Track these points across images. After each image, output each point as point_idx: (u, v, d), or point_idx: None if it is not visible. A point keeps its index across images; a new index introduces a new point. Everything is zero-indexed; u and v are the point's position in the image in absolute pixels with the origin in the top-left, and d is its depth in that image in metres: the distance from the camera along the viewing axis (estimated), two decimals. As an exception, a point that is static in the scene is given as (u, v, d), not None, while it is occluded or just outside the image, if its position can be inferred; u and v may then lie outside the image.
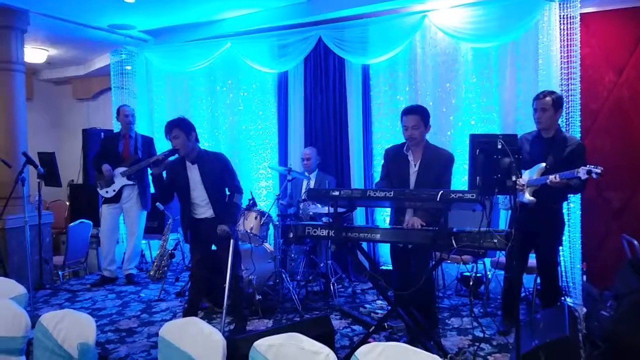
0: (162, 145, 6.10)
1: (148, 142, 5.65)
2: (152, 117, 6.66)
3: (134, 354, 3.61)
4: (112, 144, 5.51)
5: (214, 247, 4.05)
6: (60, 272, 5.75)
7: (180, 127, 3.73)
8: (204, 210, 3.91)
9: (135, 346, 3.77)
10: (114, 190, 5.38)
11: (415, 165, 3.60)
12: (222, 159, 3.95)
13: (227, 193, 3.98)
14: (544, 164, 3.61)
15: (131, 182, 5.39)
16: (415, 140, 3.56)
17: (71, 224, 5.81)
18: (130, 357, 3.57)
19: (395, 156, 3.71)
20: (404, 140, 3.68)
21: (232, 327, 4.03)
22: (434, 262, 3.40)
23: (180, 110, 6.52)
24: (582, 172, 3.30)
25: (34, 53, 6.71)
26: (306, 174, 5.30)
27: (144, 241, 6.33)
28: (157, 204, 5.06)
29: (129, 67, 6.56)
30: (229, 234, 3.77)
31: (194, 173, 3.86)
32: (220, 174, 3.86)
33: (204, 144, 6.43)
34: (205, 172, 3.83)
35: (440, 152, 3.64)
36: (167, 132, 3.78)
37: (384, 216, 5.56)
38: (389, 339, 3.79)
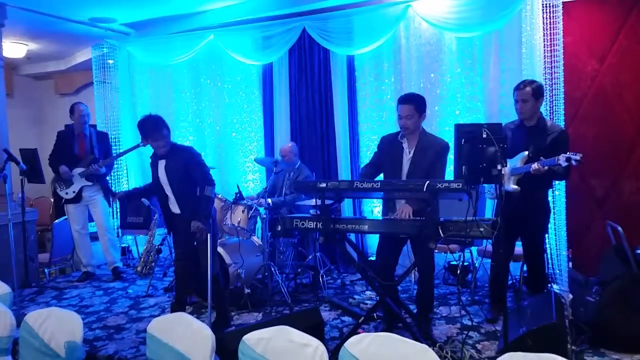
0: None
1: (103, 137, 5.62)
2: (135, 111, 6.56)
3: (122, 351, 3.58)
4: (66, 144, 5.42)
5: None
6: (46, 270, 5.69)
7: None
8: (174, 205, 3.91)
9: (124, 343, 3.74)
10: (74, 192, 5.35)
11: (409, 152, 3.61)
12: (188, 152, 3.88)
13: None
14: (526, 152, 3.64)
15: (90, 183, 5.35)
16: (408, 130, 3.58)
17: (56, 220, 5.75)
18: (118, 354, 3.54)
19: (390, 144, 3.73)
20: (393, 130, 3.68)
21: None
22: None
23: (163, 104, 6.46)
24: (562, 159, 3.34)
25: (13, 47, 6.60)
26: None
27: (130, 237, 6.29)
28: (143, 199, 5.01)
29: (111, 61, 6.47)
30: (203, 231, 3.69)
31: (161, 169, 3.85)
32: (184, 169, 3.78)
33: (189, 138, 6.41)
34: (169, 167, 3.81)
35: (436, 140, 3.66)
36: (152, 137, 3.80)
37: (371, 207, 5.58)
38: (378, 329, 3.81)
